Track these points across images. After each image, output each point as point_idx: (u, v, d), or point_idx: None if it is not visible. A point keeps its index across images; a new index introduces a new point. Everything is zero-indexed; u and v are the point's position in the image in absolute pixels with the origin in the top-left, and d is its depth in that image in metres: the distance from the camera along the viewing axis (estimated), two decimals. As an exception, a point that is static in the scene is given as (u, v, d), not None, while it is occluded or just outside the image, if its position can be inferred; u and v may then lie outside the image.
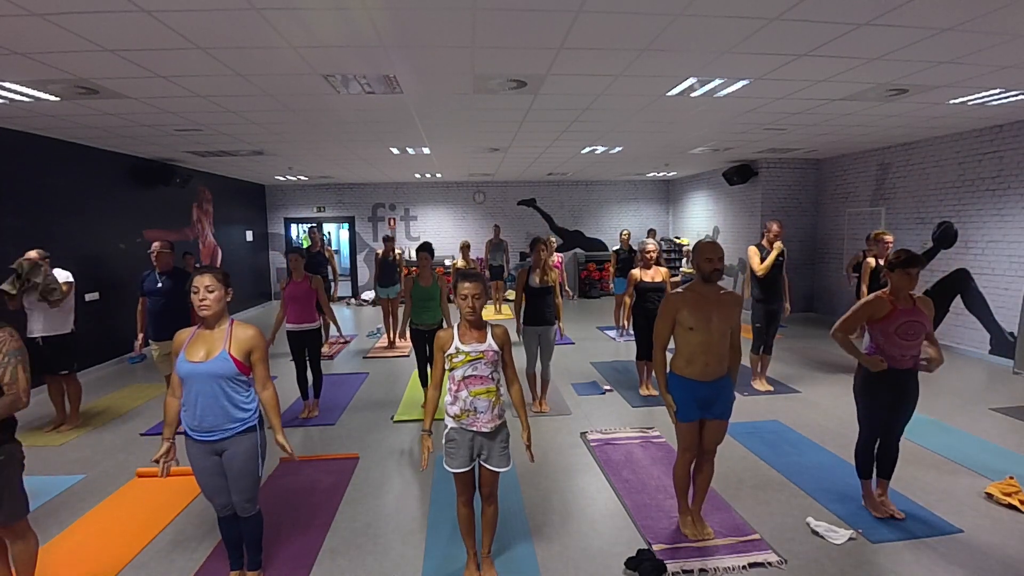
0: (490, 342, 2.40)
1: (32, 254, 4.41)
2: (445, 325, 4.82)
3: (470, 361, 2.36)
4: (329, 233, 16.89)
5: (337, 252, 17.93)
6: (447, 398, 2.46)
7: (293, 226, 12.69)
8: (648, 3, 2.81)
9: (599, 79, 4.19)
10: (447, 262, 12.27)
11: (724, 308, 2.69)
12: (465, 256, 7.60)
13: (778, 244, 5.30)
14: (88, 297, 6.49)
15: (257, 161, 8.31)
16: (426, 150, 7.55)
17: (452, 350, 2.38)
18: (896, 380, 2.93)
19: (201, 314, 2.32)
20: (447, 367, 2.42)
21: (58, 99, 4.38)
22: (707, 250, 2.69)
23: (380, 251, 7.59)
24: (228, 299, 2.40)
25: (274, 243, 12.39)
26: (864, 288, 5.53)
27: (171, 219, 8.45)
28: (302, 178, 11.03)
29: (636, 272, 5.00)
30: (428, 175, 10.97)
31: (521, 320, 4.74)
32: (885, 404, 2.96)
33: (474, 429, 2.39)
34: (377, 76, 4.00)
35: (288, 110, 5.00)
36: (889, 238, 5.44)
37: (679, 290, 2.78)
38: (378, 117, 5.39)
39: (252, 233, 11.51)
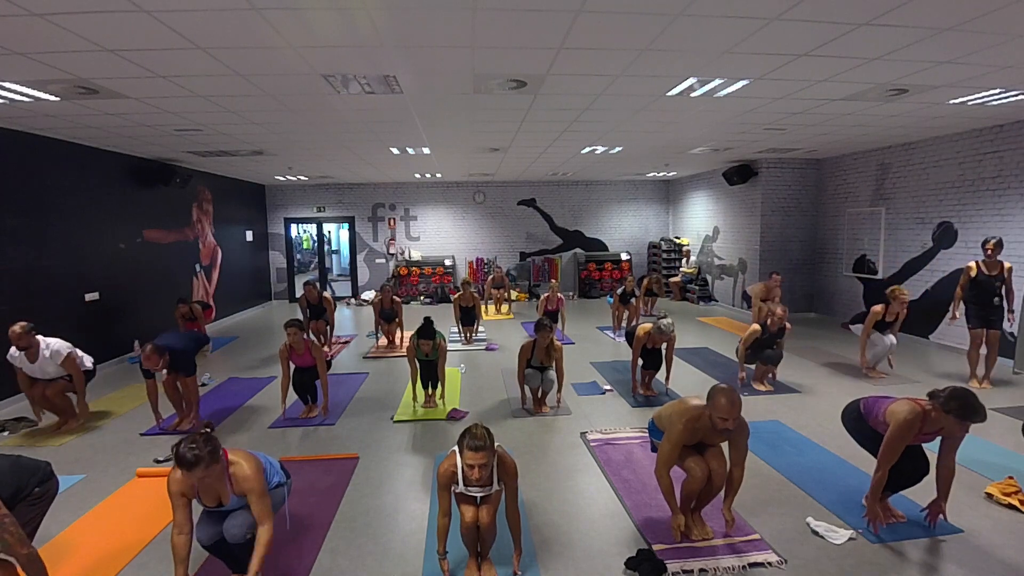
0: (495, 486, 2.46)
1: (16, 328, 4.23)
2: (440, 388, 4.97)
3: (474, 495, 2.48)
4: (329, 232, 16.91)
5: (337, 252, 17.97)
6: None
7: (293, 226, 12.69)
8: (648, 3, 2.81)
9: (599, 79, 4.18)
10: (447, 262, 12.29)
11: (728, 436, 2.70)
12: (465, 291, 7.69)
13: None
14: (88, 297, 6.49)
15: (257, 161, 8.31)
16: (426, 150, 7.55)
17: (459, 491, 2.47)
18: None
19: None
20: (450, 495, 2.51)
21: (58, 99, 4.38)
22: (723, 409, 2.54)
23: (379, 299, 7.46)
24: (220, 462, 2.28)
25: (274, 243, 12.39)
26: (865, 338, 5.54)
27: (171, 219, 8.45)
28: (302, 178, 11.03)
29: (642, 336, 5.01)
30: (428, 175, 10.97)
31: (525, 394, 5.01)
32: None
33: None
34: (377, 76, 4.00)
35: (288, 110, 5.00)
36: (906, 295, 5.33)
37: (695, 412, 2.70)
38: (378, 117, 5.39)
39: (252, 233, 11.50)
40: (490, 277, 10.34)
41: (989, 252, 5.24)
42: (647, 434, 4.28)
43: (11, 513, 2.14)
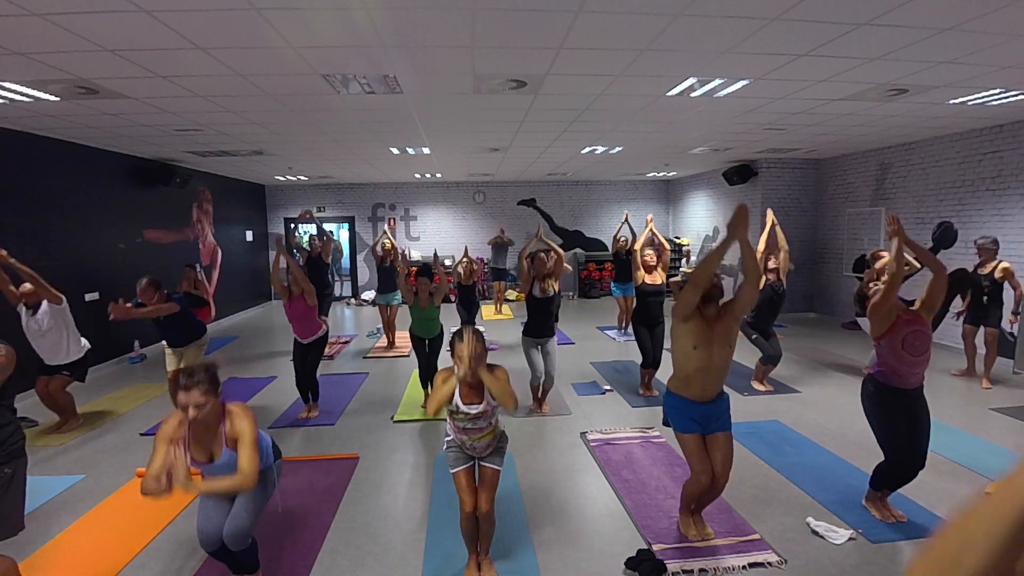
0: (487, 400, 2.47)
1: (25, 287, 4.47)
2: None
3: (471, 418, 2.47)
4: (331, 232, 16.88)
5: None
6: (448, 426, 2.58)
7: (293, 226, 12.67)
8: (648, 3, 2.81)
9: (599, 79, 4.18)
10: (447, 262, 12.26)
11: (723, 327, 2.67)
12: (467, 266, 7.50)
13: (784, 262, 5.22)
14: (88, 297, 6.48)
15: (257, 161, 8.31)
16: (426, 150, 7.55)
17: (453, 407, 2.47)
18: (906, 401, 2.85)
19: (191, 419, 2.19)
20: (447, 418, 2.55)
21: (58, 99, 4.38)
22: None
23: (379, 254, 7.41)
24: (219, 398, 2.27)
25: (274, 243, 12.37)
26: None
27: (171, 219, 8.45)
28: (302, 178, 11.03)
29: (641, 273, 4.99)
30: (428, 175, 10.97)
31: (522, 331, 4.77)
32: (901, 424, 2.84)
33: (474, 455, 2.56)
34: (377, 76, 4.00)
35: (288, 110, 5.00)
36: (884, 253, 5.31)
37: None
38: (378, 117, 5.39)
39: (252, 233, 11.51)
40: (494, 237, 10.23)
41: (979, 251, 5.39)
42: (647, 434, 4.31)
43: None
